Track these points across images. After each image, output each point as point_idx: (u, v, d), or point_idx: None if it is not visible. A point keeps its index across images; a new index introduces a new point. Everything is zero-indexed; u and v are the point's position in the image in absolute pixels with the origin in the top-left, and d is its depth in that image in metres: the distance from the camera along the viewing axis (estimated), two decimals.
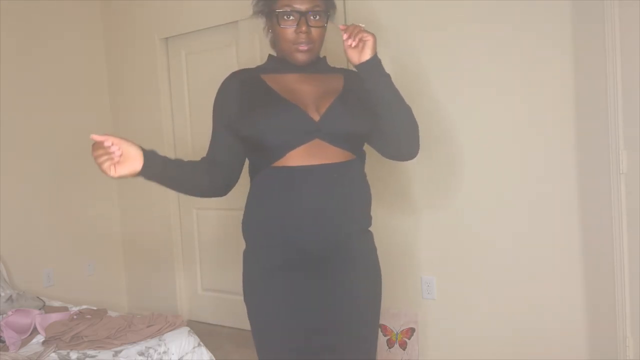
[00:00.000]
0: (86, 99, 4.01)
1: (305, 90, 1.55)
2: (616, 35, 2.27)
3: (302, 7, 1.49)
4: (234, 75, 1.64)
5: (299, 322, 1.51)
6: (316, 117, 1.50)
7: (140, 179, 1.44)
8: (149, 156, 1.41)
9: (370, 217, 1.64)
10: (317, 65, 1.61)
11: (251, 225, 1.60)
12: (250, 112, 1.52)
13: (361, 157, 1.60)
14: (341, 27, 1.50)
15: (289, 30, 1.51)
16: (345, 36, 1.48)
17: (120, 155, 1.36)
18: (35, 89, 3.69)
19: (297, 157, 1.48)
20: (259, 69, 1.65)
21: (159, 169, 1.45)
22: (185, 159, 1.60)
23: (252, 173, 1.62)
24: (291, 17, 1.50)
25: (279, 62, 1.62)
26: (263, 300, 1.55)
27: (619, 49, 2.27)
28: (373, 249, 1.66)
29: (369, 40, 1.49)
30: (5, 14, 3.54)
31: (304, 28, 1.50)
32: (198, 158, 1.66)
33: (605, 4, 2.27)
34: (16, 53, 3.59)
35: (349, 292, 1.55)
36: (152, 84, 3.90)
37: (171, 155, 3.92)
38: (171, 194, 3.91)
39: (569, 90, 2.42)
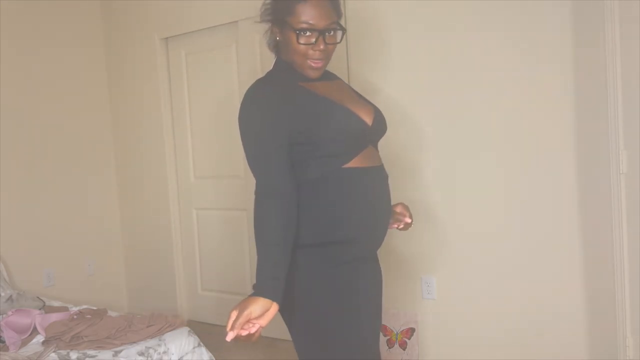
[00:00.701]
0: (86, 99, 4.00)
1: (343, 96, 1.58)
2: (616, 35, 2.27)
3: (320, 25, 1.49)
4: (271, 84, 1.60)
5: (370, 312, 1.61)
6: (369, 122, 1.55)
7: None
8: (277, 292, 1.40)
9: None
10: (325, 75, 1.62)
11: (322, 224, 1.53)
12: (313, 119, 1.49)
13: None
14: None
15: (308, 46, 1.50)
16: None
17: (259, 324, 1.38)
18: (35, 89, 3.69)
19: (360, 160, 1.51)
20: (288, 76, 1.59)
21: (282, 281, 1.42)
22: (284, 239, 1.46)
23: (310, 173, 1.51)
24: (308, 34, 1.49)
25: (292, 72, 1.59)
26: (339, 294, 1.53)
27: (619, 49, 2.27)
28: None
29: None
30: (5, 14, 3.54)
31: (321, 46, 1.50)
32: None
33: (605, 4, 2.27)
34: (16, 53, 3.59)
35: (381, 288, 1.68)
36: (152, 84, 3.90)
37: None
38: (171, 194, 3.92)
39: (569, 90, 2.42)
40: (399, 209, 1.73)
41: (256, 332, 1.37)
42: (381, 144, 1.72)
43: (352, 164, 1.50)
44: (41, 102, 3.72)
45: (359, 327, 1.55)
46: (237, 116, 1.55)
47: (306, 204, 1.50)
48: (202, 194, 3.82)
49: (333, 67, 1.75)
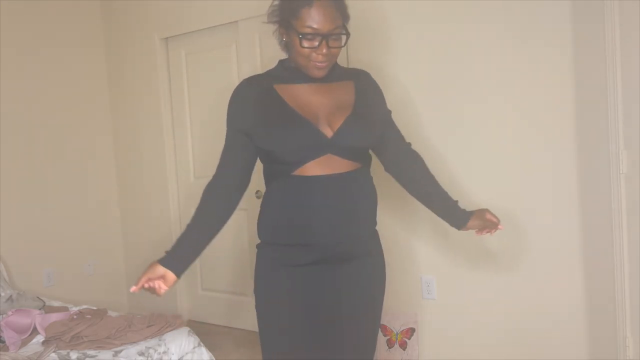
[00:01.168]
0: (86, 99, 4.01)
1: (317, 103, 1.61)
2: (616, 35, 2.27)
3: (324, 29, 1.52)
4: (248, 83, 1.68)
5: (308, 316, 1.63)
6: (329, 133, 1.57)
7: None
8: (176, 264, 1.62)
9: (376, 219, 1.74)
10: (328, 75, 1.63)
11: (269, 225, 1.70)
12: (266, 127, 1.59)
13: (367, 163, 1.69)
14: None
15: (312, 50, 1.54)
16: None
17: (157, 284, 1.57)
18: (35, 89, 3.69)
19: (311, 169, 1.57)
20: (271, 77, 1.67)
21: (190, 258, 1.69)
22: (200, 214, 1.84)
23: (268, 177, 1.70)
24: (311, 37, 1.53)
25: (291, 71, 1.65)
26: (273, 294, 1.66)
27: (619, 49, 2.27)
28: (380, 250, 1.75)
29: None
30: (5, 13, 3.54)
31: (324, 50, 1.54)
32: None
33: (605, 4, 2.27)
34: (16, 53, 3.59)
35: (354, 291, 1.65)
36: (152, 84, 3.90)
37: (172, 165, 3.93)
38: (171, 194, 3.92)
39: (569, 90, 2.42)
40: (488, 216, 1.85)
41: (158, 289, 1.57)
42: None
43: (301, 172, 1.57)
44: (41, 103, 3.72)
45: (279, 330, 1.70)
46: None
47: (262, 205, 1.72)
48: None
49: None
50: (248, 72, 3.41)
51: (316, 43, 1.53)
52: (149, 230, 4.05)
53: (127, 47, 4.01)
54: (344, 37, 1.59)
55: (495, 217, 1.84)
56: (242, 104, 1.66)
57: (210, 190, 1.84)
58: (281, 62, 1.70)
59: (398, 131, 1.82)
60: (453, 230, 2.74)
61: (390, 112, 1.79)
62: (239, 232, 3.64)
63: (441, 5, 2.68)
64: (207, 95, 3.73)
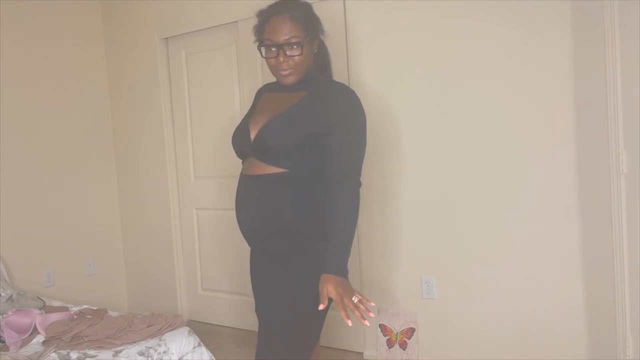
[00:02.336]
0: (86, 98, 4.01)
1: (267, 109, 1.83)
2: (616, 35, 2.27)
3: (279, 40, 1.73)
4: (260, 88, 2.01)
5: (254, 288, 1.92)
6: (253, 135, 1.78)
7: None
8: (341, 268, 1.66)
9: (298, 229, 1.71)
10: (300, 84, 1.80)
11: None
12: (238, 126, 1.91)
13: (297, 170, 1.71)
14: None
15: (273, 59, 1.76)
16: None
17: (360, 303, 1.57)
18: (35, 89, 3.69)
19: (245, 168, 1.83)
20: (270, 85, 1.95)
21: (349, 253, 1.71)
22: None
23: None
24: (272, 49, 1.74)
25: (274, 82, 1.90)
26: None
27: (619, 49, 2.27)
28: (295, 253, 1.73)
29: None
30: (5, 14, 3.54)
31: (281, 59, 1.73)
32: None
33: (605, 4, 2.27)
34: (16, 53, 3.59)
35: (265, 284, 1.84)
36: (152, 84, 3.90)
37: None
38: (171, 194, 3.92)
39: (569, 90, 2.42)
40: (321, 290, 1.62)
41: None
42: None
43: (242, 169, 1.84)
44: (41, 102, 3.72)
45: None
46: None
47: None
48: (202, 194, 3.82)
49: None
50: (248, 72, 3.41)
51: (275, 53, 1.74)
52: (149, 231, 4.05)
53: (127, 47, 4.01)
54: (305, 47, 1.75)
55: (323, 298, 1.61)
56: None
57: None
58: None
59: (337, 153, 1.70)
60: (453, 230, 2.76)
61: (342, 125, 1.71)
62: (239, 232, 3.63)
63: (440, 6, 2.68)
64: (207, 95, 3.72)
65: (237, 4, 3.39)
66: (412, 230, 2.88)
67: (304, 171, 1.72)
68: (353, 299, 1.55)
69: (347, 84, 1.98)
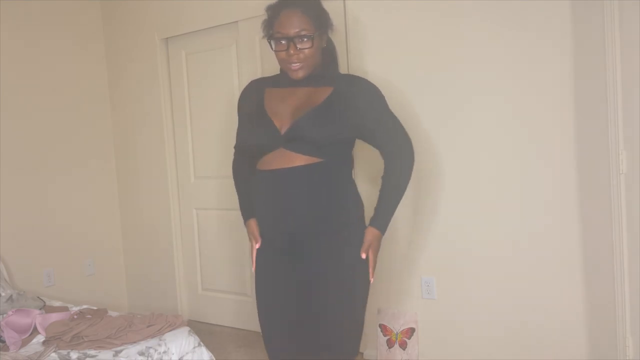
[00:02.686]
0: (86, 99, 4.01)
1: (287, 103, 1.82)
2: (616, 35, 2.27)
3: (289, 32, 1.76)
4: (250, 85, 2.01)
5: (275, 297, 1.87)
6: (283, 129, 1.77)
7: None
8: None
9: (339, 213, 1.82)
10: (312, 79, 1.83)
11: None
12: (242, 123, 1.95)
13: (333, 159, 1.79)
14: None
15: (283, 52, 1.78)
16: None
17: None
18: (35, 89, 3.69)
19: (268, 162, 1.79)
20: (269, 81, 1.96)
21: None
22: (244, 180, 2.06)
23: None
24: (282, 42, 1.77)
25: (283, 76, 1.89)
26: (257, 274, 1.92)
27: (619, 49, 2.27)
28: (341, 244, 1.82)
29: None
30: (5, 14, 3.54)
31: (292, 51, 1.76)
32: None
33: (605, 4, 2.27)
34: (16, 53, 3.59)
35: (308, 280, 1.82)
36: (152, 84, 3.90)
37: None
38: (171, 194, 3.92)
39: (568, 90, 2.42)
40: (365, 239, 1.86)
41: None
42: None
43: (262, 165, 1.82)
44: (41, 102, 3.72)
45: (259, 300, 1.93)
46: None
47: None
48: (202, 194, 3.82)
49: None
50: (248, 72, 3.41)
51: (285, 46, 1.76)
52: (149, 230, 4.05)
53: (127, 47, 4.01)
54: (316, 41, 1.78)
55: (365, 247, 1.85)
56: (241, 104, 1.99)
57: (234, 161, 2.17)
58: (281, 69, 1.91)
59: (390, 135, 1.91)
60: (452, 230, 2.76)
61: (382, 116, 1.89)
62: (239, 232, 3.64)
63: (440, 5, 2.68)
64: (207, 95, 3.73)
65: (237, 4, 3.39)
66: (412, 230, 2.88)
67: (338, 160, 1.82)
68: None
69: (366, 80, 1.99)
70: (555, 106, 2.46)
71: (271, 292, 1.89)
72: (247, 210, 1.96)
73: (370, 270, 1.83)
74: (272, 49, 1.80)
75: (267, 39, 1.83)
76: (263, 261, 1.89)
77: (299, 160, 1.74)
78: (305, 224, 1.78)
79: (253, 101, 1.90)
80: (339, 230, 1.81)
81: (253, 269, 1.93)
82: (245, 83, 3.41)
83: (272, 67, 3.29)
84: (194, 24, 3.65)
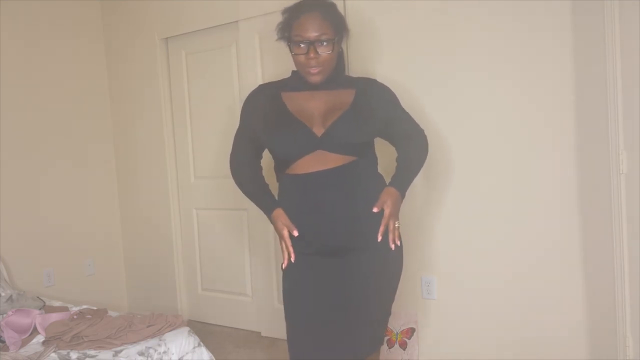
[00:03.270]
0: (86, 99, 4.01)
1: (314, 107, 1.82)
2: (616, 35, 2.27)
3: (310, 36, 1.75)
4: (260, 90, 1.95)
5: (317, 298, 1.81)
6: (319, 132, 1.76)
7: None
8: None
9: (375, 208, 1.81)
10: (330, 83, 1.85)
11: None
12: (268, 129, 1.83)
13: (366, 157, 1.84)
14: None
15: (301, 56, 1.77)
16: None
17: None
18: (35, 89, 3.69)
19: (305, 165, 1.77)
20: (281, 85, 1.92)
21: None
22: (259, 178, 2.01)
23: (276, 171, 1.93)
24: (302, 45, 1.76)
25: (298, 80, 1.88)
26: (288, 276, 1.86)
27: (619, 48, 2.27)
28: (384, 243, 1.81)
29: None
30: (5, 14, 3.54)
31: (312, 55, 1.76)
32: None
33: (605, 4, 2.27)
34: (16, 53, 3.59)
35: (348, 284, 1.80)
36: (152, 84, 3.90)
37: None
38: (171, 194, 3.92)
39: (568, 90, 2.42)
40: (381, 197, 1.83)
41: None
42: (378, 142, 1.80)
43: (297, 169, 1.79)
44: (41, 102, 3.72)
45: (291, 307, 1.86)
46: None
47: (277, 196, 1.91)
48: (202, 194, 3.82)
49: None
50: (248, 72, 3.41)
51: (305, 49, 1.75)
52: (149, 231, 4.05)
53: (127, 47, 4.01)
54: (335, 45, 1.79)
55: (379, 203, 1.82)
56: (252, 108, 1.93)
57: (235, 161, 2.08)
58: (294, 72, 1.91)
59: (403, 122, 2.00)
60: (453, 230, 2.76)
61: (399, 112, 1.99)
62: (239, 232, 3.64)
63: (440, 5, 2.68)
64: (207, 95, 3.72)
65: (237, 4, 3.39)
66: (412, 230, 2.87)
67: (369, 157, 1.88)
68: (396, 223, 1.80)
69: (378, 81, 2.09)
70: (556, 106, 2.46)
71: (310, 291, 1.82)
72: (269, 201, 1.88)
73: (390, 234, 1.78)
74: (290, 52, 1.80)
75: (286, 42, 1.82)
76: (299, 259, 1.81)
77: (336, 160, 1.76)
78: (348, 235, 1.78)
79: (272, 106, 1.85)
80: (369, 229, 1.80)
81: (284, 264, 1.84)
82: (245, 83, 3.43)
83: (272, 67, 3.30)
84: (194, 24, 3.65)
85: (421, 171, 2.79)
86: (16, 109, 3.58)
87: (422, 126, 2.09)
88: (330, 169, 1.74)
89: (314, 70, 1.78)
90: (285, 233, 1.80)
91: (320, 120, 1.78)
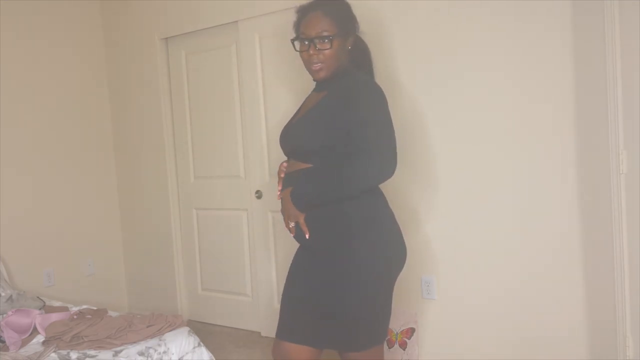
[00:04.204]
0: (86, 99, 4.01)
1: (303, 110, 1.95)
2: (616, 35, 2.27)
3: (311, 34, 1.85)
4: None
5: (292, 285, 1.97)
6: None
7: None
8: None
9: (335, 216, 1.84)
10: (324, 83, 1.90)
11: None
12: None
13: (323, 164, 1.82)
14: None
15: (305, 53, 1.87)
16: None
17: None
18: (35, 88, 3.69)
19: (287, 167, 1.94)
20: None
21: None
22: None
23: None
24: (305, 42, 1.86)
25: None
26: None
27: (619, 48, 2.27)
28: (346, 245, 1.84)
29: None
30: (5, 14, 3.54)
31: (312, 51, 1.84)
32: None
33: (605, 4, 2.27)
34: (16, 53, 3.59)
35: (309, 275, 1.91)
36: (152, 84, 3.90)
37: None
38: (171, 194, 3.92)
39: (568, 90, 2.42)
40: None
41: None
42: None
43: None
44: (41, 103, 3.72)
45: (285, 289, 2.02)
46: None
47: None
48: (202, 194, 3.82)
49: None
50: (248, 72, 3.41)
51: (307, 46, 1.85)
52: (149, 231, 4.05)
53: (127, 47, 4.01)
54: (336, 41, 1.83)
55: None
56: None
57: None
58: None
59: (354, 138, 1.76)
60: (452, 230, 2.76)
61: (363, 119, 1.76)
62: (239, 232, 3.64)
63: (440, 5, 2.68)
64: (207, 95, 3.72)
65: (237, 4, 3.39)
66: (412, 230, 2.87)
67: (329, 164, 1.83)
68: (290, 224, 1.87)
69: (374, 83, 1.93)
70: (556, 106, 2.46)
71: (290, 277, 2.00)
72: None
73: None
74: (295, 49, 1.90)
75: (291, 40, 1.93)
76: (298, 249, 2.01)
77: (297, 166, 1.88)
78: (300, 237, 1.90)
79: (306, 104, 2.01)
80: (320, 231, 1.84)
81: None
82: (245, 83, 3.44)
83: (272, 67, 3.30)
84: (194, 24, 3.65)
85: (421, 171, 2.82)
86: (16, 109, 3.58)
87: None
88: (290, 172, 1.90)
89: (315, 67, 1.85)
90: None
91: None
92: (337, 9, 1.88)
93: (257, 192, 3.40)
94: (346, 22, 1.89)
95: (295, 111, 2.08)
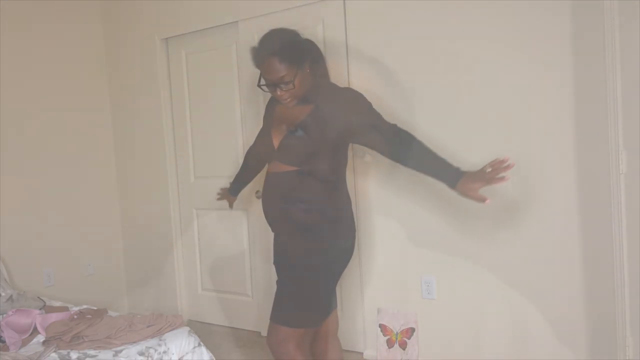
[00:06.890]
0: (86, 99, 4.01)
1: (284, 121, 2.09)
2: (616, 36, 2.27)
3: (272, 79, 2.00)
4: (271, 99, 2.25)
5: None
6: (276, 145, 2.09)
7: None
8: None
9: (301, 209, 2.05)
10: (307, 99, 2.05)
11: None
12: (262, 130, 2.28)
13: (306, 168, 2.03)
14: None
15: (273, 92, 2.04)
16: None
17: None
18: (35, 89, 3.69)
19: (269, 166, 2.16)
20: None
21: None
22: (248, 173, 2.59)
23: None
24: (270, 86, 2.02)
25: None
26: None
27: (619, 49, 2.27)
28: (300, 232, 2.08)
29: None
30: (5, 14, 3.54)
31: (279, 93, 2.01)
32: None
33: (605, 4, 2.28)
34: (16, 53, 3.60)
35: (281, 257, 2.19)
36: (152, 84, 3.90)
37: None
38: (171, 194, 3.92)
39: (568, 90, 2.42)
40: (488, 167, 1.94)
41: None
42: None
43: (267, 168, 2.17)
44: (41, 102, 3.72)
45: None
46: None
47: None
48: (202, 194, 3.82)
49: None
50: (248, 72, 3.41)
51: (272, 89, 2.02)
52: (149, 231, 4.05)
53: (127, 47, 4.01)
54: (296, 79, 1.97)
55: (499, 162, 1.87)
56: (265, 110, 2.29)
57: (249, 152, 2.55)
58: None
59: (377, 134, 2.02)
60: (452, 230, 2.76)
61: (367, 118, 2.02)
62: (238, 232, 3.65)
63: (440, 4, 2.68)
64: (207, 95, 3.73)
65: (237, 4, 3.39)
66: (412, 230, 2.88)
67: (315, 168, 2.03)
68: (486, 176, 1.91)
69: (337, 85, 2.15)
70: (556, 106, 2.46)
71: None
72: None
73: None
74: (263, 90, 2.06)
75: (257, 84, 2.08)
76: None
77: (282, 167, 2.06)
78: (277, 214, 2.13)
79: (269, 112, 2.23)
80: (293, 221, 2.07)
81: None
82: (245, 83, 3.44)
83: None
84: (194, 24, 3.65)
85: (419, 173, 2.81)
86: (16, 109, 3.58)
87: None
88: (277, 172, 2.08)
89: (285, 101, 2.03)
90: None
91: (277, 134, 2.09)
92: (289, 51, 1.97)
93: (257, 192, 3.40)
94: (300, 57, 1.99)
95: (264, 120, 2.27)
